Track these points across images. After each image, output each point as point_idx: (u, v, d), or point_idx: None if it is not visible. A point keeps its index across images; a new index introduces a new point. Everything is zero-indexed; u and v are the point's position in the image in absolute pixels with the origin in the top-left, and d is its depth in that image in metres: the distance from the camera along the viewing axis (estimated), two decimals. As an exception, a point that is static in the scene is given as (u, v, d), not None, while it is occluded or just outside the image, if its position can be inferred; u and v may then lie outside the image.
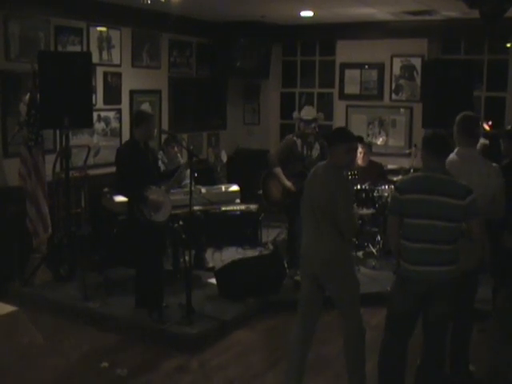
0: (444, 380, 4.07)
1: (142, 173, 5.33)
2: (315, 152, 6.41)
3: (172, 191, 5.90)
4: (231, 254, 7.15)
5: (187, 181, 6.62)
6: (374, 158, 7.73)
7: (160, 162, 6.23)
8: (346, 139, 4.09)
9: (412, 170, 7.24)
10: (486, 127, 7.59)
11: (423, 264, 3.74)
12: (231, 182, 7.47)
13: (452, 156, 4.29)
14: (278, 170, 6.41)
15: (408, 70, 8.75)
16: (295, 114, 6.66)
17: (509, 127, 5.15)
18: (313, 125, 6.41)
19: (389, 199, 6.63)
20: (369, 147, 7.64)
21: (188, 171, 5.88)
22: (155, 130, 5.77)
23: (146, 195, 5.27)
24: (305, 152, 6.40)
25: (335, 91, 9.39)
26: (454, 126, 4.46)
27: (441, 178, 3.77)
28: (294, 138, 6.49)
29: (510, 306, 3.89)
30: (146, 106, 8.03)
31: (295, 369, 4.16)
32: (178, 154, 6.88)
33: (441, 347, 3.92)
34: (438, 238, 3.73)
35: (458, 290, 3.84)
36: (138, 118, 5.61)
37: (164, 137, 7.40)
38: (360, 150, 7.53)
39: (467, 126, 4.42)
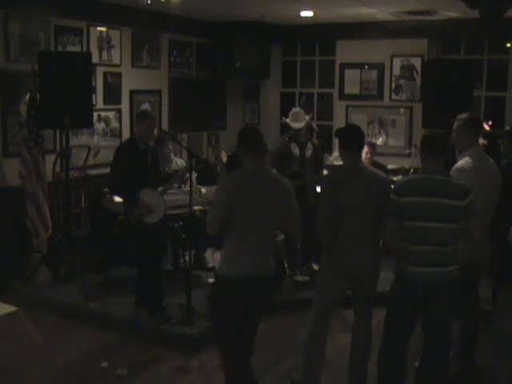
0: (446, 380, 4.08)
1: (137, 173, 5.31)
2: (308, 152, 6.40)
3: (172, 191, 5.90)
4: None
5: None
6: (376, 158, 7.74)
7: None
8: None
9: (412, 171, 7.24)
10: (486, 127, 7.58)
11: (425, 266, 3.74)
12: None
13: (469, 157, 4.33)
14: None
15: (408, 70, 8.76)
16: (284, 120, 6.64)
17: (508, 128, 5.14)
18: (303, 129, 6.40)
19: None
20: (373, 147, 7.66)
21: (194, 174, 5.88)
22: (155, 131, 5.77)
23: (138, 196, 5.25)
24: (298, 152, 6.38)
25: (335, 91, 9.39)
26: (458, 127, 4.49)
27: (439, 179, 3.76)
28: (287, 139, 6.47)
29: (511, 306, 3.90)
30: (145, 106, 8.03)
31: (318, 366, 4.20)
32: (172, 153, 6.85)
33: (442, 347, 3.93)
34: (439, 240, 3.72)
35: (459, 290, 3.85)
36: (138, 116, 5.60)
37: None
38: (366, 149, 7.54)
39: (478, 126, 4.49)
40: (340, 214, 3.97)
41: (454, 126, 4.52)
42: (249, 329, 3.85)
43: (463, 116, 4.51)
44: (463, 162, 4.34)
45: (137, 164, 5.35)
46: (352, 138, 4.11)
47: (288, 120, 6.42)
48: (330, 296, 4.17)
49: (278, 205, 3.73)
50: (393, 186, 4.00)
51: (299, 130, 6.33)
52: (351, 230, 3.98)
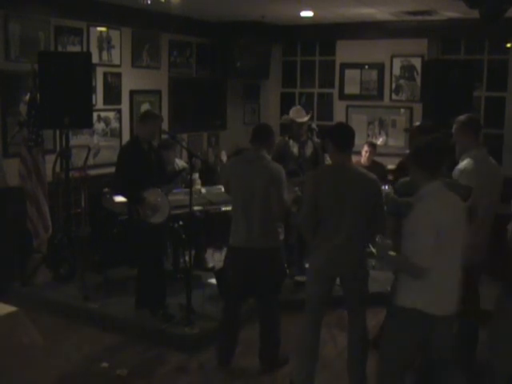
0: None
1: (142, 173, 5.30)
2: (308, 151, 6.41)
3: (173, 191, 5.89)
4: (231, 254, 7.13)
5: (197, 186, 6.63)
6: (376, 158, 7.74)
7: None
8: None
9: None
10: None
11: None
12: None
13: (471, 158, 4.34)
14: None
15: (408, 70, 8.76)
16: (286, 117, 6.64)
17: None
18: (305, 126, 6.43)
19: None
20: (374, 147, 7.67)
21: (197, 175, 5.87)
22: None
23: (143, 196, 5.24)
24: (298, 151, 6.40)
25: (335, 91, 9.40)
26: (456, 129, 4.50)
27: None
28: (287, 139, 6.49)
29: (510, 306, 3.89)
30: (146, 106, 8.03)
31: (313, 366, 4.22)
32: (176, 159, 6.83)
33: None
34: None
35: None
36: (144, 116, 5.57)
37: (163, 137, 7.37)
38: (366, 149, 7.56)
39: (476, 127, 4.49)
40: (322, 212, 4.00)
41: (453, 128, 4.52)
42: (248, 291, 4.76)
43: (461, 118, 4.52)
44: (465, 163, 4.34)
45: (141, 164, 5.33)
46: (342, 138, 4.11)
47: (291, 115, 6.43)
48: (315, 294, 4.18)
49: (262, 188, 4.43)
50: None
51: (302, 125, 6.34)
52: (333, 229, 4.00)
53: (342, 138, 4.11)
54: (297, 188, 6.09)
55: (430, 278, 3.33)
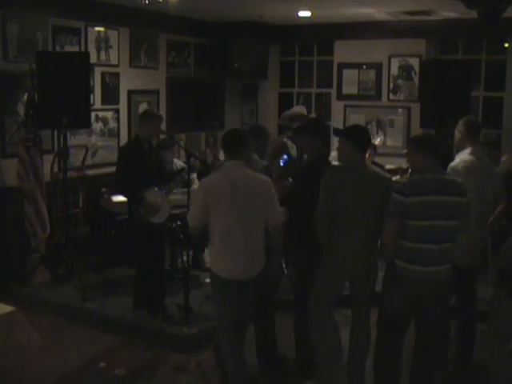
0: (444, 381, 4.09)
1: (143, 173, 5.30)
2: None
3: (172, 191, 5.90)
4: (229, 254, 7.12)
5: (195, 186, 6.61)
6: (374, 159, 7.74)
7: None
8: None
9: (410, 170, 7.24)
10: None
11: (431, 264, 3.73)
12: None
13: (466, 156, 4.36)
14: None
15: (406, 70, 8.77)
16: (286, 114, 6.58)
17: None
18: None
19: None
20: (374, 149, 7.65)
21: (195, 175, 5.88)
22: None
23: (144, 196, 5.24)
24: (295, 153, 6.38)
25: (333, 91, 9.40)
26: (459, 128, 4.57)
27: (445, 177, 3.78)
28: (285, 140, 6.46)
29: (509, 306, 3.90)
30: (144, 106, 8.03)
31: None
32: (174, 159, 6.83)
33: (437, 347, 3.93)
34: (444, 238, 3.73)
35: (452, 289, 3.88)
36: (144, 115, 5.56)
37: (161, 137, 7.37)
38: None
39: (469, 129, 4.55)
40: (338, 212, 3.96)
41: None
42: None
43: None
44: (457, 161, 4.38)
45: (142, 164, 5.33)
46: (363, 138, 4.12)
47: (298, 110, 6.40)
48: (333, 294, 4.17)
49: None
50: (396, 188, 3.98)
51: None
52: (349, 230, 3.97)
53: (363, 138, 4.12)
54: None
55: (217, 245, 3.90)
